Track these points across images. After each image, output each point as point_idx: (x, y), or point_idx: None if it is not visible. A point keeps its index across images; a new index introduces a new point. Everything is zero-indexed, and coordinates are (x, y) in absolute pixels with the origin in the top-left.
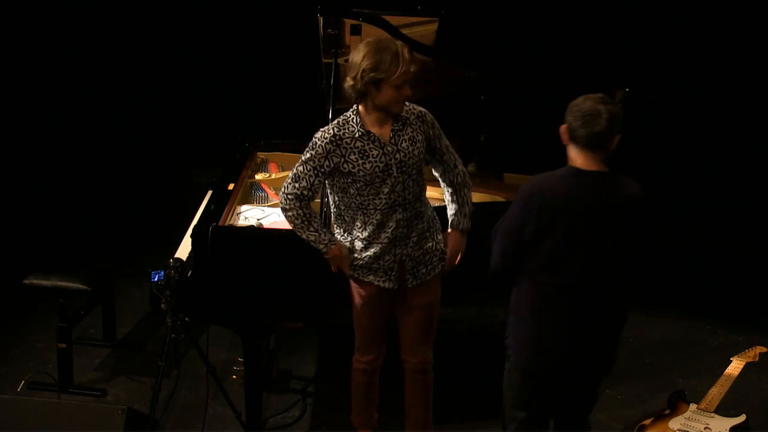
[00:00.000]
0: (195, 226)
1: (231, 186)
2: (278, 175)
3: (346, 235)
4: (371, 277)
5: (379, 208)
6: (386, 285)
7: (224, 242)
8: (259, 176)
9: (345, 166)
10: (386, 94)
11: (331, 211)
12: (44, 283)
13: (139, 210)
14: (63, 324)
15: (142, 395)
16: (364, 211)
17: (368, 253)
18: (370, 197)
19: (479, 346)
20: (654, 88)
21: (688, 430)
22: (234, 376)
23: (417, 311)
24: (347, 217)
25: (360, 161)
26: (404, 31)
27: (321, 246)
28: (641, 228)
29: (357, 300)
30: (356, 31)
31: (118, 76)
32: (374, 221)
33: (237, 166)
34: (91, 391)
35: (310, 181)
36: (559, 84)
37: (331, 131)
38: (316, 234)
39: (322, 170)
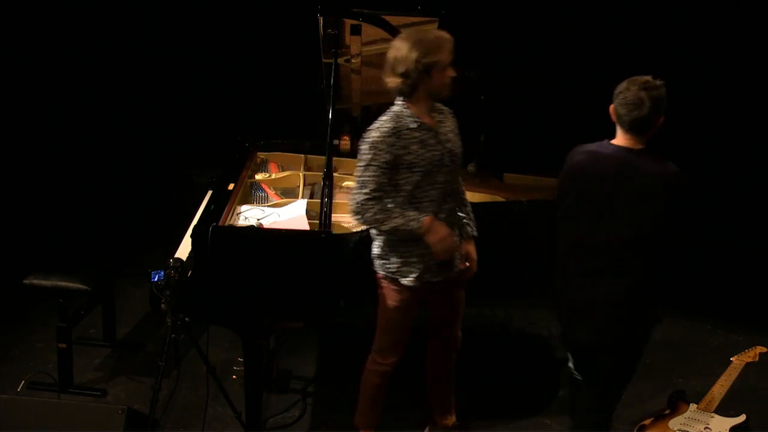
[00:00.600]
0: (195, 226)
1: (231, 186)
2: (278, 175)
3: (396, 240)
4: (427, 276)
5: (434, 198)
6: (436, 279)
7: (224, 242)
8: (259, 176)
9: (407, 157)
10: (437, 78)
11: None
12: (44, 283)
13: (139, 210)
14: (63, 324)
15: (142, 395)
16: (418, 205)
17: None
18: (427, 188)
19: (479, 346)
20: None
21: (688, 430)
22: (234, 376)
23: (454, 298)
24: None
25: (421, 150)
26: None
27: (413, 224)
28: (662, 208)
29: (394, 302)
30: (356, 31)
31: (118, 76)
32: (429, 212)
33: (237, 166)
34: (91, 391)
35: (378, 181)
36: (559, 84)
37: (389, 125)
38: (402, 217)
39: (387, 166)
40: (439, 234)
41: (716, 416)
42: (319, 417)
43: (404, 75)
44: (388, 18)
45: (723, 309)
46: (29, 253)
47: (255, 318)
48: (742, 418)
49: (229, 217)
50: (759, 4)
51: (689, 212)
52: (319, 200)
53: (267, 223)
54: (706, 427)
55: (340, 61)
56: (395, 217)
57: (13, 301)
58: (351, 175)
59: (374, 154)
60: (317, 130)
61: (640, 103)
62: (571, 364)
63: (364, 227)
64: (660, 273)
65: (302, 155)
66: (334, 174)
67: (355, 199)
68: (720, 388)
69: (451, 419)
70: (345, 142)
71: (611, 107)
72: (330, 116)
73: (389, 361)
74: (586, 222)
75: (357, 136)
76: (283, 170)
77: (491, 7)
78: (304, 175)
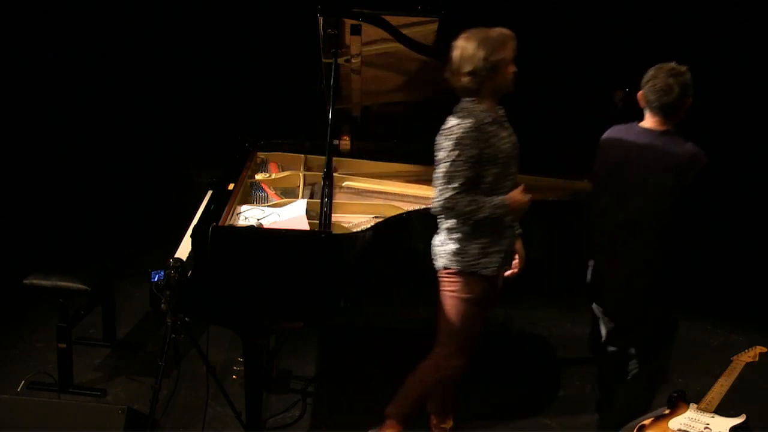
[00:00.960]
0: (195, 226)
1: (231, 186)
2: (278, 175)
3: (474, 231)
4: (504, 265)
5: (509, 189)
6: (506, 268)
7: (224, 242)
8: (259, 176)
9: (487, 150)
10: (504, 74)
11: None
12: (44, 283)
13: (139, 210)
14: (63, 324)
15: (142, 395)
16: (497, 196)
17: (503, 240)
18: (502, 180)
19: (479, 345)
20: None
21: (688, 430)
22: (234, 376)
23: (499, 294)
24: None
25: (498, 143)
26: (404, 31)
27: (501, 210)
28: (680, 187)
29: (471, 294)
30: (356, 31)
31: (118, 76)
32: None
33: (237, 166)
34: (91, 391)
35: (465, 175)
36: (559, 84)
37: (469, 120)
38: (488, 206)
39: (472, 160)
40: (517, 206)
41: (716, 416)
42: (319, 417)
43: (472, 73)
44: (388, 18)
45: (723, 309)
46: (29, 253)
47: (255, 318)
48: (742, 418)
49: (229, 217)
50: (759, 4)
51: (708, 193)
52: (319, 200)
53: (267, 223)
54: (706, 427)
55: (340, 61)
56: (483, 207)
57: (13, 301)
58: (351, 175)
59: (461, 149)
60: (317, 130)
61: (669, 89)
62: (603, 333)
63: (365, 227)
64: (673, 252)
65: (302, 155)
66: (334, 174)
67: (443, 194)
68: (720, 388)
69: (450, 423)
70: (345, 142)
71: (639, 94)
72: (330, 116)
73: (458, 363)
74: (609, 198)
75: (357, 136)
76: (283, 170)
77: (491, 7)
78: (304, 175)
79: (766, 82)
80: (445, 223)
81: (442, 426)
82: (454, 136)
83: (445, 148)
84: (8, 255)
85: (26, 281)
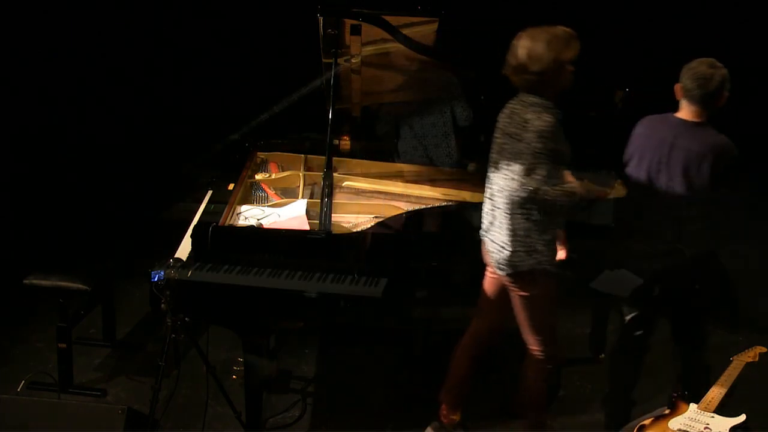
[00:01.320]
0: (195, 226)
1: (231, 186)
2: (278, 175)
3: (536, 227)
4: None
5: None
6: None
7: (224, 242)
8: (259, 176)
9: (558, 145)
10: (566, 73)
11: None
12: (44, 283)
13: (139, 210)
14: (63, 324)
15: (142, 395)
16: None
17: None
18: (559, 177)
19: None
20: (654, 88)
21: (688, 430)
22: (234, 376)
23: None
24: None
25: (563, 141)
26: (404, 31)
27: (572, 197)
28: (709, 175)
29: (549, 291)
30: (356, 31)
31: (118, 76)
32: None
33: (237, 166)
34: (91, 391)
35: (546, 167)
36: None
37: (548, 114)
38: (565, 193)
39: (551, 154)
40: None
41: (716, 416)
42: (319, 417)
43: (540, 73)
44: (388, 18)
45: (723, 309)
46: (29, 253)
47: (255, 318)
48: (742, 418)
49: (229, 217)
50: (759, 4)
51: (737, 182)
52: (319, 200)
53: (267, 223)
54: (706, 427)
55: (340, 61)
56: (559, 195)
57: (13, 301)
58: (351, 175)
59: (543, 142)
60: (317, 130)
61: (710, 77)
62: (627, 318)
63: (365, 227)
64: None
65: (302, 155)
66: (334, 174)
67: (526, 185)
68: (720, 388)
69: (458, 416)
70: (345, 142)
71: (677, 86)
72: (330, 116)
73: (557, 349)
74: (643, 182)
75: (357, 136)
76: (283, 170)
77: (491, 7)
78: (304, 175)
79: (766, 82)
80: (503, 225)
81: (452, 417)
82: (536, 129)
83: (525, 139)
84: (8, 255)
85: (26, 281)
